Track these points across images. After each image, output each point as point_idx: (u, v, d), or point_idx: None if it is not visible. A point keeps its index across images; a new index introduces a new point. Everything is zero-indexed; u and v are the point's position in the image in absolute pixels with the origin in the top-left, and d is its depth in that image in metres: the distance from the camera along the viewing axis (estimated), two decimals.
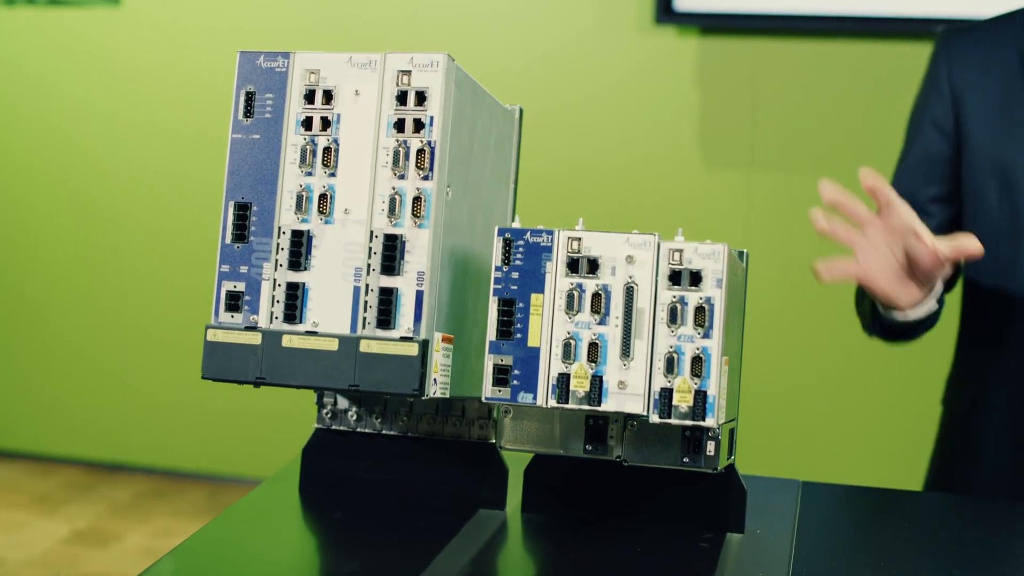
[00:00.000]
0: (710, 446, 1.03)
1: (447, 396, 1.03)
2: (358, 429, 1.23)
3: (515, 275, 0.99)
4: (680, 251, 0.98)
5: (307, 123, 1.01)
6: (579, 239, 0.99)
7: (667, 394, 0.97)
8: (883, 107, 3.12)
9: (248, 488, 1.25)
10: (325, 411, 1.23)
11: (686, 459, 1.04)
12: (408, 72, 1.00)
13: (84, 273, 3.73)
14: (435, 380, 1.00)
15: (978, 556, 1.14)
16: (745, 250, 1.16)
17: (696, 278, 0.97)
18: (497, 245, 1.00)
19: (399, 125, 1.00)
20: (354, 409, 1.23)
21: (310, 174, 1.01)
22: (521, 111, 1.23)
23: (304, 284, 1.00)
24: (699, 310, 0.97)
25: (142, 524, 3.31)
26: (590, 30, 3.25)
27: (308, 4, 3.47)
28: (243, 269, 1.01)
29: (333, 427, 1.23)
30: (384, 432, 1.22)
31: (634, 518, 1.15)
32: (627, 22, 3.22)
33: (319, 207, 1.00)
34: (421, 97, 0.99)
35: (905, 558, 1.12)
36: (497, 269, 1.00)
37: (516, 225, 1.01)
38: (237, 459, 3.63)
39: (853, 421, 3.21)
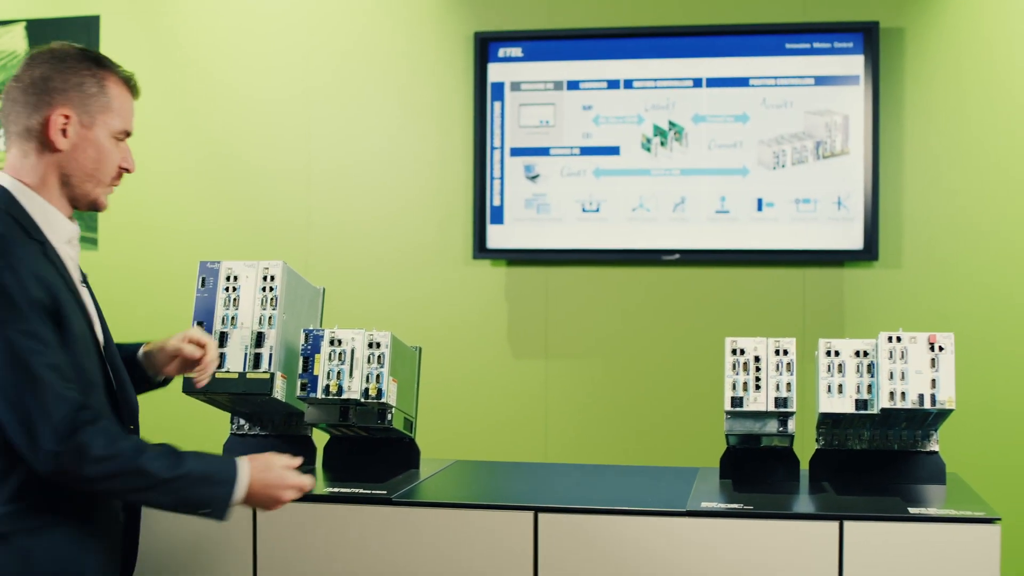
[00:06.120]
0: (387, 416, 2.62)
1: (283, 399, 2.62)
2: (251, 432, 2.81)
3: (309, 347, 2.61)
4: (379, 342, 2.61)
5: (227, 289, 2.64)
6: (334, 332, 2.61)
7: (367, 390, 2.57)
8: (634, 310, 4.80)
9: None
10: (235, 425, 2.82)
11: (379, 421, 2.63)
12: (268, 267, 2.64)
13: None
14: (278, 390, 2.60)
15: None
16: (419, 347, 2.79)
17: (379, 346, 2.60)
18: (302, 336, 2.62)
19: (263, 288, 2.63)
20: (247, 424, 2.81)
21: (227, 309, 2.63)
22: (324, 290, 2.88)
23: (225, 352, 2.61)
24: (379, 358, 2.59)
25: None
26: (426, 264, 4.92)
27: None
28: None
29: (239, 432, 2.82)
30: (261, 433, 2.81)
31: (355, 463, 2.74)
32: (454, 257, 4.90)
33: (231, 322, 2.62)
34: (273, 278, 2.64)
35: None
36: (302, 346, 2.61)
37: (313, 327, 2.64)
38: None
39: None
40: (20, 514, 1.98)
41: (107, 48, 5.07)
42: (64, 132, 2.08)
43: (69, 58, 2.12)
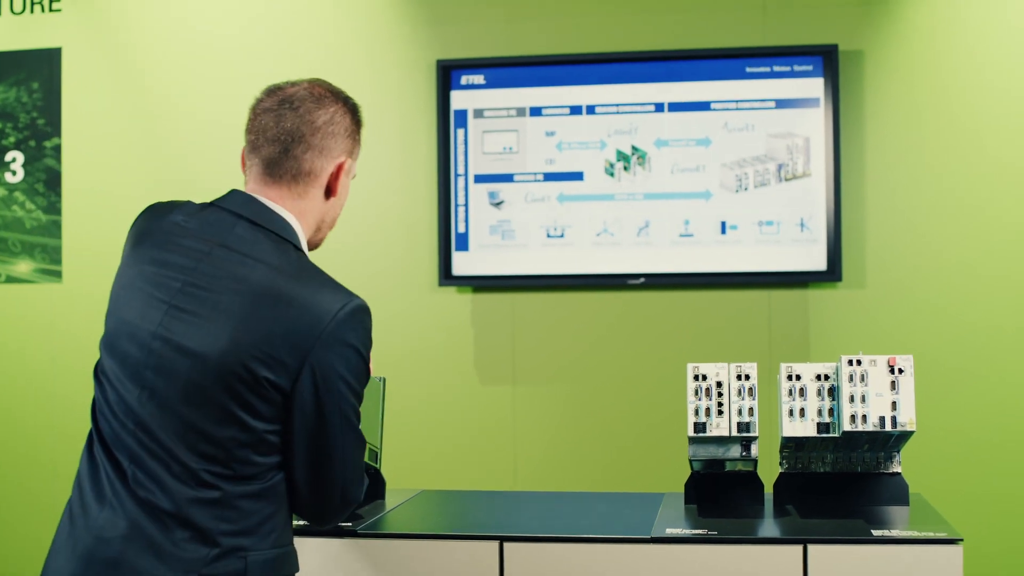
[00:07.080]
0: None
1: None
2: None
3: None
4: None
5: None
6: None
7: None
8: (600, 335, 4.82)
9: None
10: None
11: None
12: None
13: None
14: None
15: None
16: (384, 377, 2.80)
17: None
18: None
19: None
20: None
21: None
22: None
23: None
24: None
25: None
26: (392, 291, 4.93)
27: None
28: None
29: None
30: None
31: None
32: (419, 284, 4.91)
33: None
34: None
35: None
36: None
37: None
38: None
39: None
40: (280, 559, 1.92)
41: (69, 81, 5.07)
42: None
43: (342, 101, 2.05)
